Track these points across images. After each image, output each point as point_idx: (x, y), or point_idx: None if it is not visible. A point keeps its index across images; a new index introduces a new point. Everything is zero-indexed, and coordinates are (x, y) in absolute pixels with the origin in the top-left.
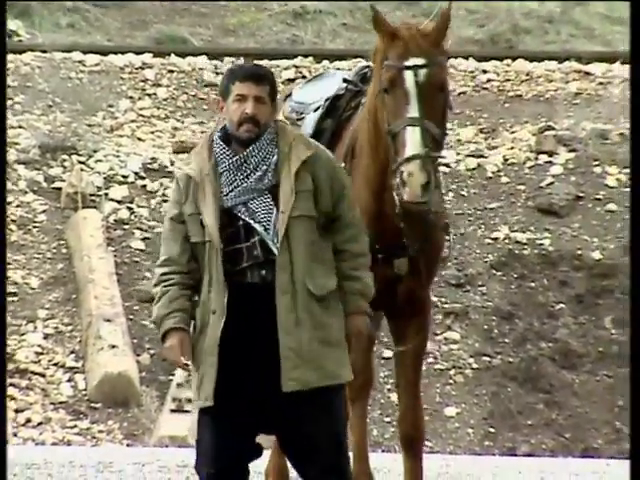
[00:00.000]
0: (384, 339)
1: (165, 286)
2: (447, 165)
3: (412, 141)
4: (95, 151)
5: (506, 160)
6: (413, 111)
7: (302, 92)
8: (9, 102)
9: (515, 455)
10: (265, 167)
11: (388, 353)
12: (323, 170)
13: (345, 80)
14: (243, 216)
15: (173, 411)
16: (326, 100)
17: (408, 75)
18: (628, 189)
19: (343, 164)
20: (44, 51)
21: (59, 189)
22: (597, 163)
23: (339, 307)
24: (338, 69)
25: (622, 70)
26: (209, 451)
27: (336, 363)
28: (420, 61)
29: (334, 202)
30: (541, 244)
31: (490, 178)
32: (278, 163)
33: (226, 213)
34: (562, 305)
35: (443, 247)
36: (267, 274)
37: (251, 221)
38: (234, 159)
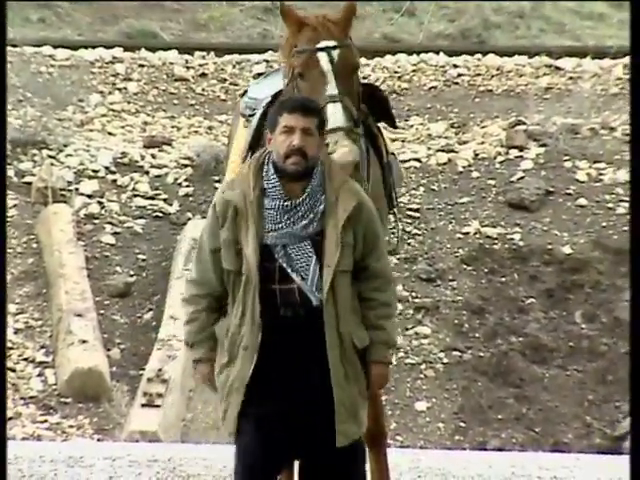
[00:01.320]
0: None
1: (193, 312)
2: (418, 160)
3: (335, 116)
4: (65, 145)
5: (477, 155)
6: (332, 89)
7: (256, 88)
8: None
9: (485, 449)
10: (312, 215)
11: None
12: (362, 222)
13: None
14: (280, 259)
15: (144, 406)
16: (272, 96)
17: (322, 56)
18: (598, 184)
19: None
20: (14, 45)
21: (29, 184)
22: (567, 158)
23: (364, 361)
24: None
25: (592, 65)
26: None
27: (364, 415)
28: (332, 43)
29: (365, 252)
30: (511, 239)
31: (461, 173)
32: (325, 212)
33: (264, 249)
34: (532, 300)
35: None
36: (299, 310)
37: (289, 268)
38: (285, 204)
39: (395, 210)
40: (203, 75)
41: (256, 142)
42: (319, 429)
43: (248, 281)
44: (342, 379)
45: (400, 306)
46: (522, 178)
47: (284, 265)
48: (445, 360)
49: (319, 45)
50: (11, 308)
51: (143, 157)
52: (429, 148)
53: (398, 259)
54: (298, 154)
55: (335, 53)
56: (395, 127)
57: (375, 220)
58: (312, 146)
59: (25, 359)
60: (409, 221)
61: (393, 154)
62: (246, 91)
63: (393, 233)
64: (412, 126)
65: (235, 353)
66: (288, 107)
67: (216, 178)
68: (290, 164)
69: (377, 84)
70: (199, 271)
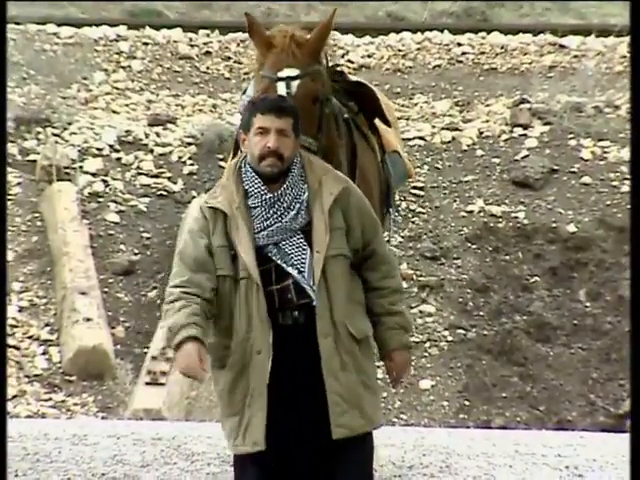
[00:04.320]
0: None
1: (188, 301)
2: (422, 138)
3: None
4: (70, 124)
5: (481, 133)
6: None
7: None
8: None
9: (489, 428)
10: (298, 205)
11: None
12: (354, 206)
13: None
14: (275, 258)
15: (148, 384)
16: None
17: (280, 87)
18: (603, 162)
19: None
20: (18, 23)
21: (34, 162)
22: (572, 136)
23: (372, 351)
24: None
25: (597, 43)
26: None
27: (374, 408)
28: (293, 72)
29: (366, 239)
30: (516, 217)
31: (465, 151)
32: (309, 200)
33: (257, 252)
34: (537, 278)
35: None
36: (300, 316)
37: (284, 265)
38: (267, 197)
39: (391, 209)
40: (207, 53)
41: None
42: (320, 424)
43: (249, 284)
44: (337, 369)
45: (404, 284)
46: (526, 156)
47: (279, 262)
48: (449, 338)
49: (279, 74)
50: (15, 286)
51: (147, 135)
52: (433, 126)
53: (402, 237)
54: (273, 156)
55: (294, 84)
56: (389, 125)
57: (367, 204)
58: (287, 147)
59: (29, 337)
60: (413, 199)
61: (396, 152)
62: (246, 89)
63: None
64: (416, 104)
65: (248, 360)
66: (262, 108)
67: (220, 156)
68: (265, 166)
69: (366, 82)
70: (185, 274)
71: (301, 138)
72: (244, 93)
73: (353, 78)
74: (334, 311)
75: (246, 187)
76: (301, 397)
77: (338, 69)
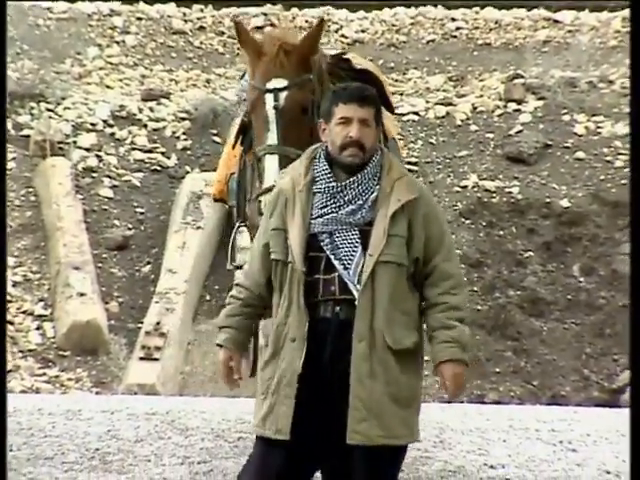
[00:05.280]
0: None
1: (231, 296)
2: (416, 113)
3: (269, 171)
4: (63, 99)
5: (475, 108)
6: (271, 138)
7: None
8: None
9: (484, 403)
10: (361, 202)
11: None
12: (421, 214)
13: None
14: (325, 247)
15: (142, 359)
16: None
17: (268, 99)
18: (596, 137)
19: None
20: None
21: (27, 137)
22: (566, 111)
23: (416, 365)
24: (306, 21)
25: (591, 18)
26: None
27: (402, 423)
28: (281, 83)
29: (429, 250)
30: (510, 192)
31: (459, 126)
32: (377, 201)
33: (311, 238)
34: (530, 253)
35: None
36: (341, 311)
37: (332, 256)
38: (332, 184)
39: None
40: (201, 28)
41: (246, 126)
42: (343, 425)
43: (293, 270)
44: (364, 375)
45: None
46: (520, 131)
47: (328, 253)
48: None
49: (268, 85)
50: (9, 261)
51: (141, 110)
52: (427, 101)
53: None
54: (355, 146)
55: (282, 95)
56: (393, 113)
57: (439, 217)
58: (370, 137)
59: (23, 312)
60: None
61: (394, 139)
62: (244, 73)
63: None
64: (410, 79)
65: (280, 345)
66: (344, 97)
67: (214, 131)
68: (347, 155)
69: (371, 71)
70: (248, 264)
71: (289, 150)
72: (242, 77)
73: (359, 66)
74: (374, 316)
75: (315, 173)
76: (329, 392)
77: (344, 57)
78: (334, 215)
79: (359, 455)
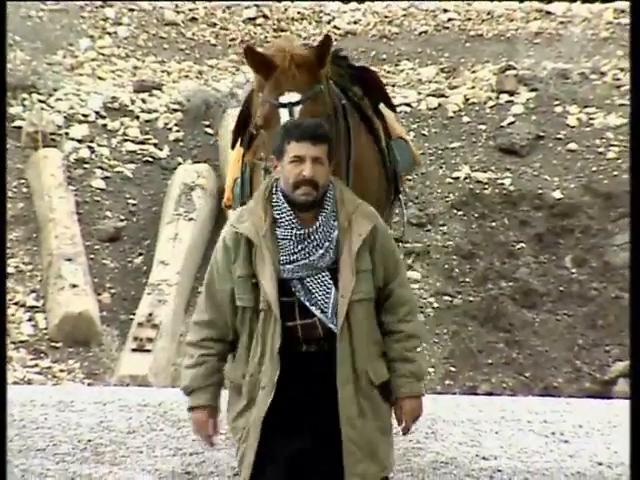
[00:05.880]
0: None
1: (203, 355)
2: (408, 105)
3: None
4: (55, 90)
5: (467, 99)
6: None
7: None
8: None
9: (476, 394)
10: (327, 244)
11: None
12: (379, 245)
13: None
14: (298, 294)
15: (134, 350)
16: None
17: (283, 113)
18: (589, 128)
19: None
20: None
21: (19, 128)
22: (558, 102)
23: (389, 392)
24: (298, 13)
25: (582, 9)
26: None
27: (387, 452)
28: (295, 97)
29: (387, 279)
30: (502, 184)
31: (451, 117)
32: (339, 239)
33: (281, 284)
34: (522, 244)
35: None
36: (324, 344)
37: (307, 302)
38: (298, 232)
39: (400, 196)
40: (193, 19)
41: (242, 126)
42: (329, 471)
43: (267, 316)
44: (354, 416)
45: None
46: (512, 123)
47: (302, 299)
48: (435, 305)
49: (281, 99)
50: None
51: (133, 101)
52: (419, 93)
53: None
54: (309, 184)
55: (297, 110)
56: (394, 111)
57: (392, 243)
58: (322, 175)
59: (15, 303)
60: None
61: (402, 138)
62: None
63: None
64: (402, 71)
65: (255, 395)
66: (297, 135)
67: (206, 123)
68: (300, 194)
69: (372, 68)
70: (211, 312)
71: None
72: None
73: (357, 63)
74: (356, 358)
75: (276, 216)
76: (315, 426)
77: (341, 54)
78: (305, 262)
79: None
